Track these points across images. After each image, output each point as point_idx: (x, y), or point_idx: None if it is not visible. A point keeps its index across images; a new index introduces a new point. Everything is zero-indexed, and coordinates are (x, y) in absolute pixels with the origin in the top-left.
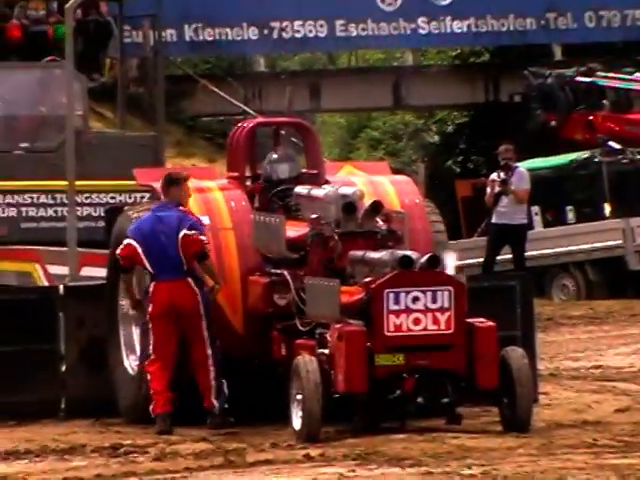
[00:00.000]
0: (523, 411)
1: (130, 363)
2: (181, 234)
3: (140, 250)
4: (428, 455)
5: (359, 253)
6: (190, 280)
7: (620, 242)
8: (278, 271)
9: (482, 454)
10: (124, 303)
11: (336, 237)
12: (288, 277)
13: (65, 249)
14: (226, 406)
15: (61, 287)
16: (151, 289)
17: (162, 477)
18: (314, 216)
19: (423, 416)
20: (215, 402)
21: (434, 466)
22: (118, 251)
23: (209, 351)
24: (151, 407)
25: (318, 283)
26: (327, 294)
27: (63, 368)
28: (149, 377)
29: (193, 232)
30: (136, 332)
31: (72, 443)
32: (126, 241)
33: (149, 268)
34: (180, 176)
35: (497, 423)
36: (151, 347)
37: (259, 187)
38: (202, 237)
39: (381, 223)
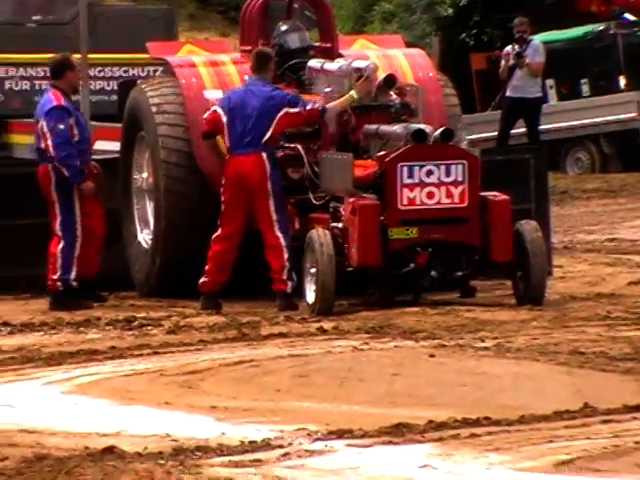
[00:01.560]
0: (537, 284)
1: (144, 237)
2: (282, 112)
3: (224, 119)
4: (441, 328)
5: (373, 127)
6: (264, 155)
7: (635, 115)
8: (292, 145)
9: (495, 327)
10: (138, 177)
11: (350, 111)
12: (302, 151)
13: None
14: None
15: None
16: (226, 161)
17: (176, 350)
18: (327, 90)
19: (437, 290)
20: (287, 284)
21: (447, 339)
22: (205, 115)
23: (279, 233)
24: (200, 281)
25: (332, 157)
26: (341, 168)
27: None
28: (210, 253)
29: (294, 110)
30: (150, 206)
31: (87, 316)
32: (213, 108)
33: (227, 139)
34: (271, 54)
35: (511, 296)
36: (219, 221)
37: (273, 61)
38: (303, 108)
39: (395, 97)
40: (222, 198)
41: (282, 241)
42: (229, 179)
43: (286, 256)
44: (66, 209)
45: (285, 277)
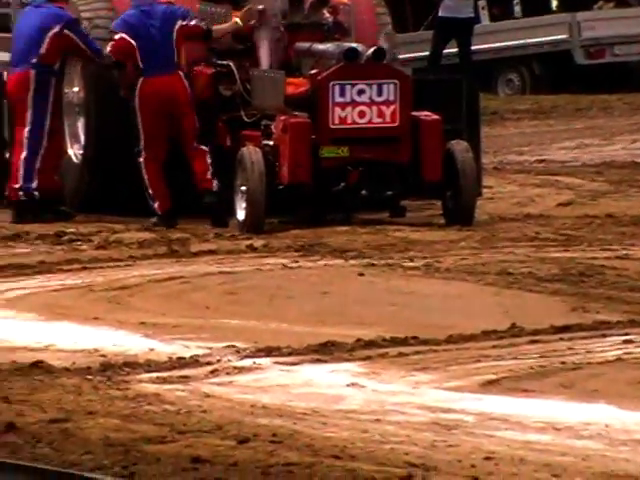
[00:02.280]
0: (466, 204)
1: (74, 152)
2: (177, 25)
3: (134, 43)
4: (371, 247)
5: (305, 45)
6: (181, 74)
7: (566, 36)
8: (224, 62)
9: (425, 247)
10: (69, 91)
11: (282, 28)
12: (234, 68)
13: (9, 35)
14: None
15: (5, 74)
16: (139, 84)
17: (105, 265)
18: (260, 7)
19: (367, 209)
20: (212, 182)
21: (377, 258)
22: (109, 48)
23: (200, 144)
24: (155, 205)
25: (263, 74)
26: (272, 85)
27: (7, 155)
28: (146, 177)
29: (188, 22)
30: (80, 121)
31: (16, 230)
32: (117, 36)
33: (140, 62)
34: None
35: (440, 216)
36: (142, 143)
37: None
38: (198, 22)
39: (328, 15)
40: (140, 120)
41: (204, 149)
42: (148, 101)
43: (209, 161)
44: (39, 117)
45: (209, 177)
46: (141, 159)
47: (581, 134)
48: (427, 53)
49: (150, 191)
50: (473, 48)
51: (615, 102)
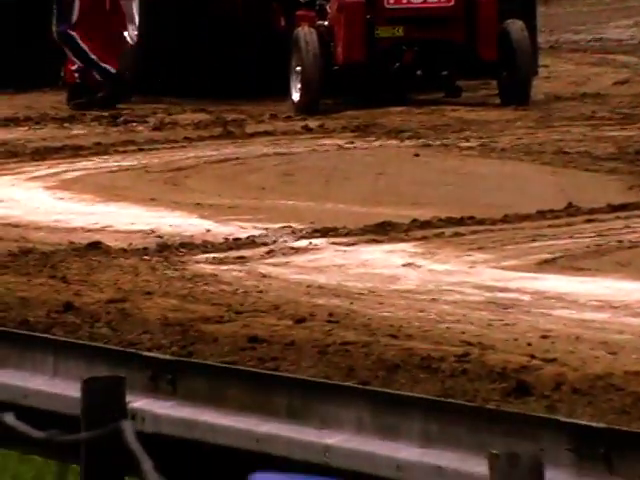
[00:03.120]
0: (522, 82)
1: (129, 33)
2: None
3: None
4: (426, 127)
5: None
6: None
7: None
8: None
9: (480, 126)
10: None
11: None
12: None
13: None
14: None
15: None
16: None
17: (161, 146)
18: None
19: (422, 89)
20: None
21: (432, 138)
22: None
23: None
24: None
25: None
26: None
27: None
28: (91, 48)
29: None
30: (135, 2)
31: (72, 111)
32: None
33: None
34: None
35: (496, 96)
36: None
37: None
38: None
39: None
40: None
41: None
42: None
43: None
44: None
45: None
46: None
47: (638, 12)
48: None
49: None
50: None
51: None
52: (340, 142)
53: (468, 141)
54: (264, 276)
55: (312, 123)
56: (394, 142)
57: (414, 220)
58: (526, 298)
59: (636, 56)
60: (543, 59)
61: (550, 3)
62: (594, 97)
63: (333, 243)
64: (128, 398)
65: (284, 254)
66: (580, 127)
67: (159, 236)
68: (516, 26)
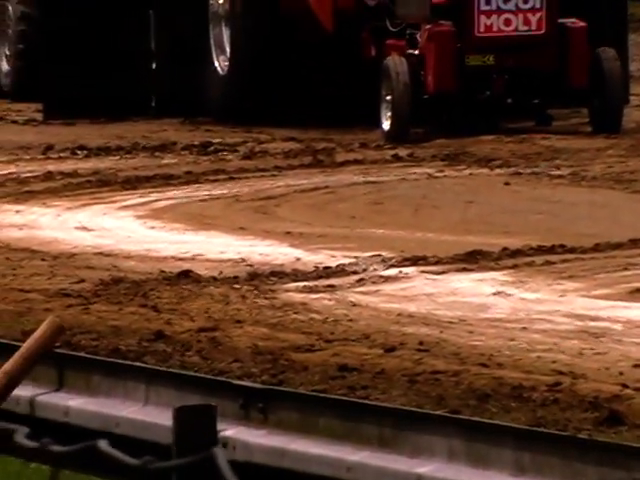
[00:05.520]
0: (613, 111)
1: (220, 63)
2: None
3: None
4: (517, 156)
5: None
6: None
7: None
8: None
9: (571, 155)
10: (213, 2)
11: None
12: None
13: None
14: None
15: None
16: None
17: (251, 175)
18: None
19: (513, 117)
20: None
21: (522, 166)
22: None
23: None
24: None
25: None
26: None
27: (154, 66)
28: None
29: None
30: (226, 32)
31: (162, 140)
32: None
33: None
34: None
35: (587, 124)
36: None
37: None
38: None
39: None
40: None
41: None
42: None
43: None
44: None
45: None
46: None
47: None
48: None
49: None
50: None
51: None
52: (430, 171)
53: (559, 169)
54: (354, 305)
55: (402, 152)
56: (484, 171)
57: (504, 248)
58: (618, 327)
59: None
60: (634, 87)
61: None
62: None
63: (423, 272)
64: (219, 426)
65: (374, 282)
66: None
67: (249, 265)
68: (608, 54)
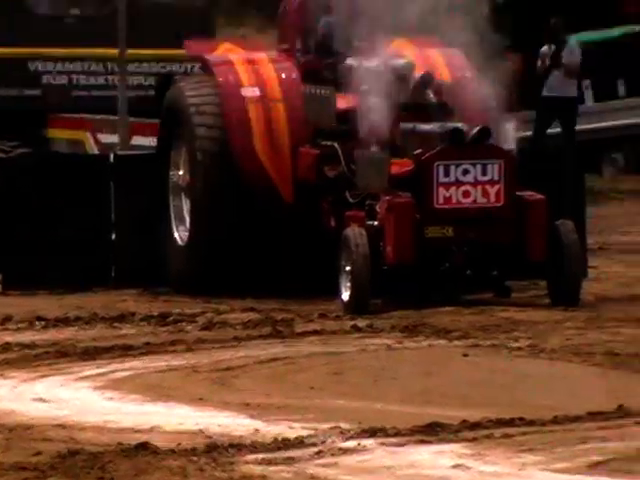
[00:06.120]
0: (572, 284)
1: (179, 234)
2: None
3: None
4: (475, 327)
5: (409, 125)
6: None
7: None
8: (328, 143)
9: (530, 327)
10: (174, 173)
11: (387, 109)
12: (338, 149)
13: (116, 118)
14: None
15: (111, 156)
16: None
17: (210, 346)
18: (365, 88)
19: (471, 289)
20: None
21: (481, 338)
22: None
23: None
24: None
25: (368, 155)
26: (377, 165)
27: (113, 237)
28: None
29: None
30: (186, 203)
31: (121, 311)
32: None
33: None
34: None
35: (545, 296)
36: None
37: (310, 60)
38: None
39: (432, 95)
40: None
41: None
42: None
43: None
44: None
45: None
46: None
47: None
48: (530, 133)
49: None
50: (577, 128)
51: None
52: (389, 342)
53: (517, 341)
54: (312, 477)
55: (361, 322)
56: (443, 342)
57: (463, 421)
58: None
59: None
60: (592, 260)
61: (598, 204)
62: None
63: (382, 444)
64: None
65: (333, 455)
66: (630, 328)
67: (208, 436)
68: (566, 227)
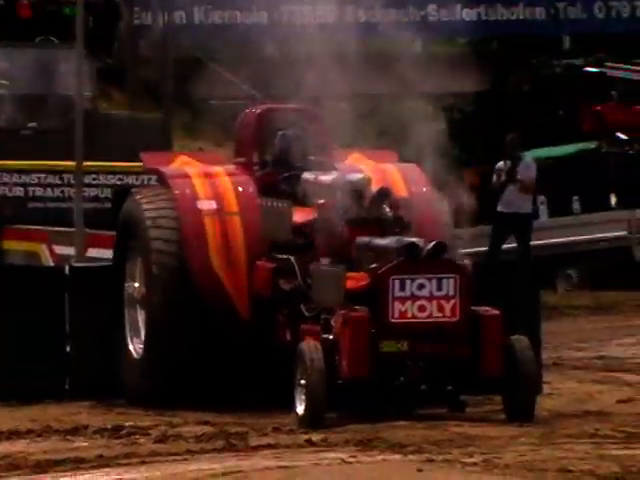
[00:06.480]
0: (527, 401)
1: (134, 346)
2: None
3: None
4: (430, 442)
5: (365, 239)
6: None
7: (625, 233)
8: (284, 256)
9: (484, 442)
10: (130, 285)
11: (343, 223)
12: (294, 262)
13: (72, 229)
14: None
15: (67, 267)
16: None
17: (164, 459)
18: (321, 202)
19: (426, 403)
20: None
21: (435, 453)
22: None
23: None
24: None
25: (323, 268)
26: (332, 280)
27: (68, 348)
28: None
29: None
30: (141, 315)
31: (75, 423)
32: None
33: None
34: None
35: (500, 411)
36: None
37: (267, 173)
38: None
39: (388, 210)
40: None
41: None
42: None
43: None
44: None
45: None
46: None
47: None
48: (486, 248)
49: None
50: (532, 243)
51: None
52: (343, 456)
53: (471, 456)
54: None
55: (315, 436)
56: (397, 457)
57: None
58: None
59: (639, 374)
60: (547, 376)
61: (553, 319)
62: (597, 415)
63: None
64: None
65: None
66: (583, 445)
67: None
68: (522, 344)
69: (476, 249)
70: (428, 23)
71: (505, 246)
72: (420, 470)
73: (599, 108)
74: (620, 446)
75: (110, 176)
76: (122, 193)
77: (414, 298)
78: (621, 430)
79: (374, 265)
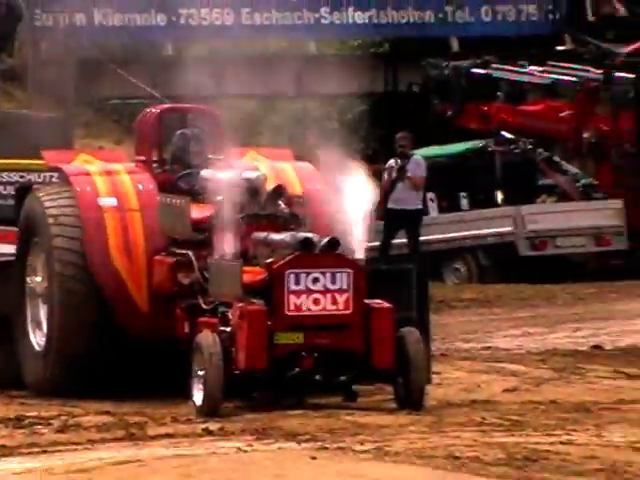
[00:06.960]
0: (416, 390)
1: (36, 339)
2: None
3: None
4: (323, 431)
5: (262, 235)
6: None
7: (511, 229)
8: (183, 251)
9: (375, 430)
10: (31, 279)
11: (239, 219)
12: (192, 257)
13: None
14: None
15: None
16: None
17: (65, 449)
18: (218, 199)
19: (320, 393)
20: None
21: (329, 441)
22: None
23: None
24: None
25: (221, 263)
26: (229, 274)
27: None
28: None
29: None
30: (43, 309)
31: None
32: None
33: None
34: None
35: (391, 401)
36: None
37: (166, 171)
38: None
39: (283, 207)
40: None
41: None
42: None
43: None
44: None
45: None
46: None
47: (525, 322)
48: (378, 243)
49: None
50: (422, 238)
51: (558, 292)
52: (239, 444)
53: (363, 444)
54: None
55: (212, 425)
56: (292, 445)
57: None
58: None
59: (524, 365)
60: (435, 366)
61: (441, 312)
62: (484, 404)
63: None
64: None
65: None
66: (471, 432)
67: None
68: (412, 336)
69: (370, 244)
70: (321, 25)
71: (396, 241)
72: (314, 458)
73: (485, 108)
74: (506, 433)
75: (12, 173)
76: (24, 190)
77: (309, 292)
78: (507, 418)
79: (270, 260)
